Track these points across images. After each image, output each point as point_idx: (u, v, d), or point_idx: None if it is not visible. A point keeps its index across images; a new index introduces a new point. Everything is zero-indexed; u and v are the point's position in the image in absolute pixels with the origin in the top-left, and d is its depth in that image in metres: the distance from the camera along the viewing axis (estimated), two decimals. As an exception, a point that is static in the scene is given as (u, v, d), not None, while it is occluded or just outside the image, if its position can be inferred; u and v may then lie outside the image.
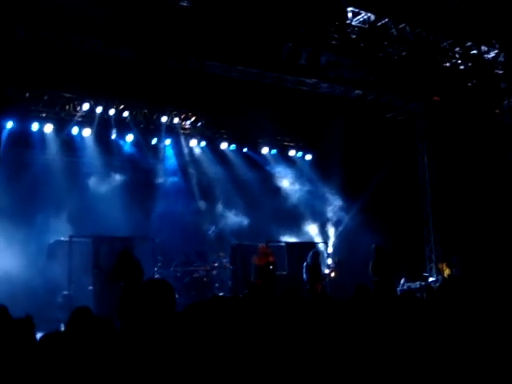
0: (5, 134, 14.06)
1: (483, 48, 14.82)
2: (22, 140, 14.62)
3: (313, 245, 16.74)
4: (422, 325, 4.86)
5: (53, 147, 15.24)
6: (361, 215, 17.52)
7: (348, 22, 13.12)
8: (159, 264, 14.73)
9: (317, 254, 13.90)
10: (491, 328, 4.87)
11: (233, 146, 17.82)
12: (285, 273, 15.03)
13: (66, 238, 13.41)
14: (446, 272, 15.91)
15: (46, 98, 14.90)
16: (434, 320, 5.04)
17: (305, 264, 13.61)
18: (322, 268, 15.56)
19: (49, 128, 15.01)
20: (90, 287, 12.57)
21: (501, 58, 15.08)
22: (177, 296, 9.30)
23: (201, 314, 4.14)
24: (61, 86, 14.72)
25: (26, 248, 12.91)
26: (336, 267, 16.66)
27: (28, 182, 14.25)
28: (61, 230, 13.79)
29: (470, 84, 15.10)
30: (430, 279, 16.26)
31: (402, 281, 15.76)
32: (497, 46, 14.84)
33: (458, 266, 15.22)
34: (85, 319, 4.03)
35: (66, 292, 12.15)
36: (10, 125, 14.18)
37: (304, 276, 13.51)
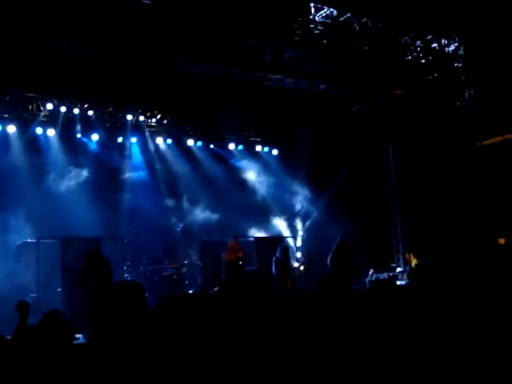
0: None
1: (443, 41, 15.08)
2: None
3: (282, 239, 16.87)
4: (391, 314, 4.96)
5: (17, 148, 15.05)
6: (328, 208, 17.70)
7: (311, 17, 13.23)
8: (128, 263, 14.67)
9: (285, 248, 14.00)
10: (460, 317, 4.99)
11: (199, 143, 17.82)
12: (254, 268, 15.11)
13: (33, 240, 13.29)
14: (414, 262, 16.19)
15: (7, 98, 14.69)
16: (402, 310, 5.15)
17: (274, 258, 13.70)
18: (292, 262, 15.68)
19: (12, 129, 14.82)
20: (59, 289, 12.47)
21: (461, 51, 15.38)
22: (147, 295, 9.30)
23: (171, 312, 4.16)
24: (23, 85, 14.53)
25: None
26: (304, 261, 16.81)
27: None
28: (27, 232, 13.66)
29: (431, 77, 15.35)
30: (398, 270, 16.50)
31: (371, 272, 15.97)
32: (457, 39, 15.13)
33: (424, 256, 15.49)
34: (56, 322, 4.05)
35: (34, 295, 12.03)
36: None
37: (273, 270, 13.61)
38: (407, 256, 16.71)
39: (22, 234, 13.76)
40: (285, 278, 13.50)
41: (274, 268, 13.61)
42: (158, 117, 17.04)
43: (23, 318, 6.30)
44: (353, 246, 13.39)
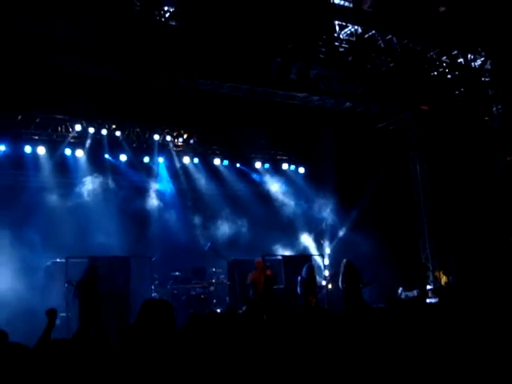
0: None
1: (470, 56, 14.99)
2: (15, 163, 14.65)
3: (309, 257, 16.77)
4: (423, 332, 4.89)
5: (46, 169, 15.27)
6: (356, 225, 17.58)
7: (336, 35, 13.27)
8: (156, 282, 14.72)
9: (311, 268, 13.93)
10: (490, 333, 4.90)
11: (225, 162, 17.88)
12: (282, 286, 15.03)
13: (63, 260, 13.42)
14: (443, 280, 15.97)
15: (37, 120, 14.95)
16: (433, 327, 5.07)
17: (299, 278, 13.64)
18: (319, 280, 15.58)
19: (41, 150, 15.05)
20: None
21: (487, 66, 15.25)
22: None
23: (200, 331, 4.16)
24: (52, 107, 14.79)
25: (22, 271, 12.94)
26: (331, 279, 16.67)
27: (22, 204, 14.25)
28: (57, 252, 13.80)
29: (457, 92, 15.23)
30: (428, 287, 16.27)
31: (400, 290, 15.79)
32: (483, 53, 15.02)
33: (454, 273, 15.28)
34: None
35: (63, 314, 12.11)
36: (2, 148, 14.22)
37: (298, 290, 13.55)
38: (437, 273, 16.48)
39: (51, 253, 13.91)
40: (309, 298, 13.41)
41: (298, 287, 13.55)
42: (185, 136, 17.18)
43: (50, 324, 6.36)
44: (358, 267, 13.40)
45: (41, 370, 3.84)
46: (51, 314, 6.52)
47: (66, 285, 12.28)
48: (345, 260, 13.40)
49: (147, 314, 3.74)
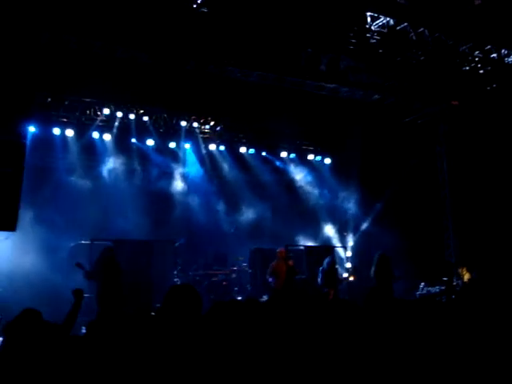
0: (28, 138, 14.23)
1: (503, 51, 14.72)
2: (44, 144, 14.81)
3: (332, 249, 16.75)
4: (441, 328, 4.86)
5: (74, 151, 15.43)
6: (380, 219, 17.50)
7: (367, 26, 13.13)
8: (179, 267, 14.83)
9: (333, 260, 13.95)
10: (506, 331, 4.86)
11: (252, 150, 17.88)
12: (304, 277, 15.05)
13: (87, 242, 13.57)
14: (466, 276, 15.81)
15: (66, 103, 15.09)
16: (452, 324, 5.04)
17: (321, 269, 13.65)
18: (341, 272, 15.55)
19: (70, 133, 15.20)
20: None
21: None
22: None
23: (221, 317, 4.18)
24: (82, 91, 14.90)
25: (47, 251, 13.11)
26: (353, 273, 16.63)
27: (50, 186, 14.45)
28: (82, 233, 13.96)
29: (489, 88, 15.00)
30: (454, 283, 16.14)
31: (422, 285, 15.70)
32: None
33: (477, 270, 15.12)
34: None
35: (87, 295, 12.25)
36: (32, 129, 14.38)
37: (319, 280, 13.56)
38: (460, 270, 16.33)
39: (77, 235, 14.08)
40: (329, 290, 13.42)
41: (319, 278, 13.57)
42: (212, 123, 17.21)
43: (77, 303, 6.46)
44: (391, 260, 13.27)
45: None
46: (78, 293, 6.62)
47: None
48: (379, 252, 13.32)
49: (174, 298, 3.77)
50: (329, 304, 5.06)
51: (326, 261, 13.68)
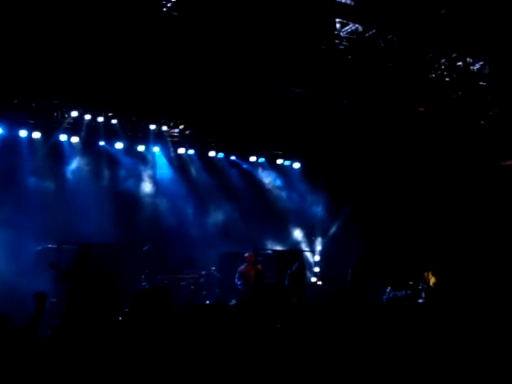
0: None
1: (468, 60, 15.00)
2: (11, 146, 14.60)
3: (300, 253, 16.82)
4: (407, 331, 4.93)
5: (41, 154, 15.23)
6: (348, 223, 17.64)
7: (336, 32, 13.25)
8: (147, 272, 14.74)
9: (302, 265, 14.01)
10: (475, 335, 4.95)
11: (221, 154, 17.89)
12: (272, 281, 15.08)
13: (54, 246, 13.42)
14: (432, 280, 16.00)
15: (33, 104, 14.88)
16: (418, 327, 5.12)
17: (288, 271, 13.70)
18: (309, 277, 15.62)
19: (37, 135, 15.00)
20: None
21: (486, 71, 15.27)
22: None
23: (190, 322, 4.19)
24: (49, 92, 14.69)
25: (12, 255, 12.93)
26: (321, 276, 16.74)
27: (16, 188, 14.25)
28: (49, 237, 13.80)
29: (455, 95, 15.26)
30: (419, 287, 16.31)
31: (388, 289, 15.83)
32: (482, 57, 15.04)
33: (444, 274, 15.32)
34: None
35: (53, 299, 12.10)
36: (-1, 131, 14.20)
37: (286, 283, 13.61)
38: (425, 274, 16.53)
39: (43, 239, 13.92)
40: (295, 294, 13.46)
41: (286, 280, 13.62)
42: (181, 127, 17.15)
43: (40, 307, 6.34)
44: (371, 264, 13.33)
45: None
46: (40, 297, 6.50)
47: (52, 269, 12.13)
48: (358, 256, 13.38)
49: (143, 301, 3.76)
50: (293, 307, 5.09)
51: (294, 265, 13.74)
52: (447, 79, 14.88)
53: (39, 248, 13.87)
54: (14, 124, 14.64)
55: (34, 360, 3.89)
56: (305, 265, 14.48)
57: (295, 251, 17.35)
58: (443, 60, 14.59)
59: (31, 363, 3.86)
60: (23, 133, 14.76)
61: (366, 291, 12.83)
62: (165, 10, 11.42)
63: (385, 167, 17.05)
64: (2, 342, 4.19)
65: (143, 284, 14.25)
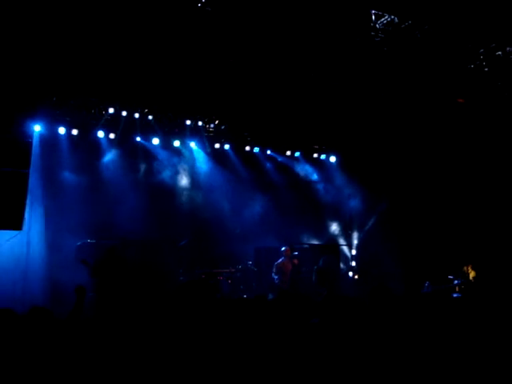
0: (34, 138, 14.27)
1: (508, 49, 14.68)
2: (50, 143, 14.84)
3: (337, 247, 16.74)
4: (441, 326, 4.88)
5: (79, 150, 15.43)
6: (384, 217, 17.47)
7: (371, 24, 13.11)
8: (184, 266, 14.86)
9: (329, 259, 13.95)
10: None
11: (256, 149, 17.90)
12: (308, 275, 15.07)
13: (93, 241, 13.64)
14: (472, 275, 15.77)
15: (72, 102, 15.09)
16: (453, 322, 5.06)
17: (315, 267, 13.68)
18: (344, 269, 15.53)
19: (75, 132, 15.22)
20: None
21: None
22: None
23: (229, 314, 4.21)
24: (86, 90, 14.89)
25: (56, 250, 13.23)
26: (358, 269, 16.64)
27: (55, 185, 14.51)
28: (88, 232, 14.04)
29: (494, 86, 14.98)
30: (455, 282, 16.11)
31: (427, 284, 15.66)
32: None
33: (482, 269, 15.12)
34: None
35: (91, 294, 12.32)
36: (37, 129, 14.40)
37: (313, 278, 13.60)
38: (465, 268, 16.29)
39: (83, 234, 14.15)
40: (323, 289, 13.47)
41: (314, 277, 13.60)
42: (216, 122, 17.21)
43: (79, 301, 6.50)
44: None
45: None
46: (80, 291, 6.67)
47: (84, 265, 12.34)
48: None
49: (186, 293, 3.80)
50: (322, 303, 5.05)
51: (321, 259, 13.69)
52: (486, 69, 14.60)
53: (79, 243, 14.09)
54: (54, 122, 14.85)
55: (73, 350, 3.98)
56: (334, 259, 14.35)
57: (332, 245, 17.28)
58: (482, 50, 14.30)
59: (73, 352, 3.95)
60: (62, 130, 14.97)
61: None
62: (199, 5, 11.45)
63: (422, 160, 16.81)
64: (45, 333, 4.29)
65: (181, 278, 14.37)
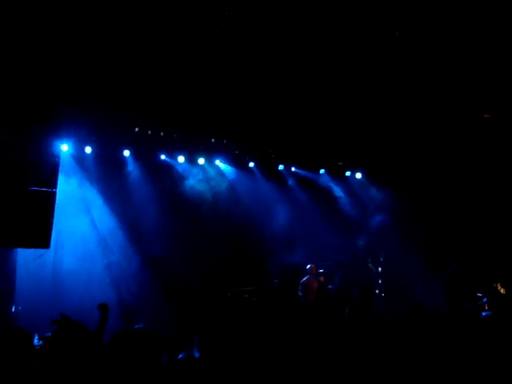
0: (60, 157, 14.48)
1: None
2: (78, 164, 15.03)
3: (363, 263, 16.57)
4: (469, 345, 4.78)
5: (105, 169, 15.58)
6: (413, 234, 17.25)
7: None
8: (209, 284, 14.87)
9: (343, 276, 13.81)
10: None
11: (281, 166, 17.90)
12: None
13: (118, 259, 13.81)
14: (502, 291, 15.47)
15: (98, 120, 15.19)
16: (482, 341, 4.95)
17: (330, 287, 13.57)
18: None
19: (100, 150, 15.35)
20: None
21: None
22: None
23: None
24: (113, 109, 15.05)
25: (87, 267, 13.48)
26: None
27: (82, 203, 14.71)
28: (116, 250, 14.25)
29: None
30: (484, 299, 15.80)
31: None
32: None
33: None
34: None
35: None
36: (65, 148, 14.57)
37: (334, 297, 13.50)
38: (495, 285, 15.99)
39: (109, 252, 14.35)
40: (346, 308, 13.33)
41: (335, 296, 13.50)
42: (241, 140, 17.22)
43: (103, 318, 6.53)
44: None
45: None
46: (103, 308, 6.69)
47: None
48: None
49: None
50: (345, 322, 4.99)
51: (336, 277, 13.52)
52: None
53: (106, 261, 14.25)
54: (80, 140, 15.00)
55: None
56: (354, 275, 14.16)
57: (358, 262, 17.09)
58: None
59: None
60: (88, 149, 15.11)
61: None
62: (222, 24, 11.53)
63: (449, 176, 16.59)
64: (81, 346, 4.36)
65: (205, 296, 14.37)
